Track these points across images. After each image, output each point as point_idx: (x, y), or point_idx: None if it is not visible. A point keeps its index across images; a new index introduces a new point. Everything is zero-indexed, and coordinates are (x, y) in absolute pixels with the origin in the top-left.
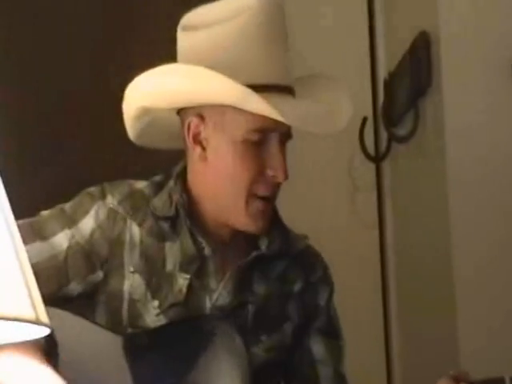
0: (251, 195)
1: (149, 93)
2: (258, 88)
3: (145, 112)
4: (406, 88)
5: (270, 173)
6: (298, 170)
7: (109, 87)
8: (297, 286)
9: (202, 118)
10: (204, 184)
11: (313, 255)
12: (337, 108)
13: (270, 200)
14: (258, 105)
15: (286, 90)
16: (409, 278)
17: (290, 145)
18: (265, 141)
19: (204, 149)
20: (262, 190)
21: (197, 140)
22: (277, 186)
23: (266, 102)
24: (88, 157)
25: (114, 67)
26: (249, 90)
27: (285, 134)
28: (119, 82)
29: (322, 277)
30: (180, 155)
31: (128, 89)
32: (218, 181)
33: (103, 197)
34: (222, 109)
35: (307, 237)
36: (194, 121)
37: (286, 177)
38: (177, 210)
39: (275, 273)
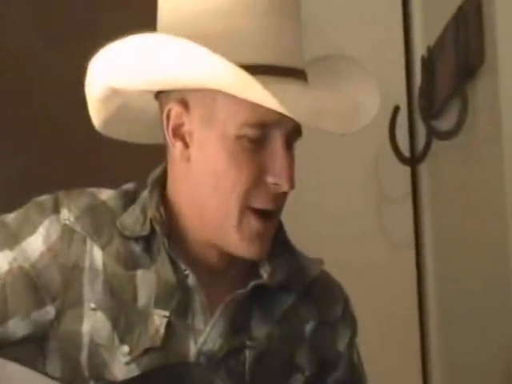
0: (247, 208)
1: (117, 71)
2: (257, 69)
3: (113, 93)
4: (451, 67)
5: (270, 180)
6: (310, 174)
7: (70, 71)
8: (309, 327)
9: (185, 104)
10: (187, 192)
11: (330, 286)
12: (359, 100)
13: (271, 215)
14: (257, 93)
15: (295, 73)
16: (454, 314)
17: (299, 141)
18: (266, 139)
19: (187, 145)
20: (260, 203)
21: (178, 133)
22: (281, 198)
23: (267, 90)
24: (45, 159)
25: (73, 46)
26: (245, 74)
27: (292, 130)
28: (81, 65)
29: (342, 314)
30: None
31: (92, 62)
32: (204, 188)
33: (57, 210)
34: (211, 94)
35: (322, 262)
36: (174, 108)
37: (292, 185)
38: (152, 228)
39: (281, 309)
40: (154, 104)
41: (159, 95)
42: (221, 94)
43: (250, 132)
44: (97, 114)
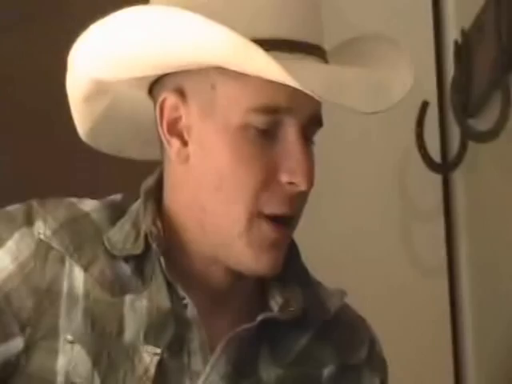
0: (257, 214)
1: (102, 56)
2: (271, 44)
3: (100, 89)
4: (491, 54)
5: (284, 178)
6: (322, 185)
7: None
8: (327, 371)
9: (181, 93)
10: (186, 198)
11: (353, 323)
12: (387, 75)
13: (287, 222)
14: (263, 63)
15: (313, 49)
16: (496, 353)
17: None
18: (277, 129)
19: (185, 143)
20: (273, 207)
21: (174, 129)
22: (299, 201)
23: (274, 60)
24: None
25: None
26: (249, 42)
27: (310, 119)
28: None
29: (368, 356)
30: None
31: (73, 50)
32: (205, 191)
33: (29, 222)
34: (210, 80)
35: (344, 294)
36: (169, 99)
37: (311, 183)
38: (147, 245)
39: (294, 349)
40: (147, 105)
41: (153, 89)
42: (220, 79)
43: (258, 119)
44: (81, 119)
